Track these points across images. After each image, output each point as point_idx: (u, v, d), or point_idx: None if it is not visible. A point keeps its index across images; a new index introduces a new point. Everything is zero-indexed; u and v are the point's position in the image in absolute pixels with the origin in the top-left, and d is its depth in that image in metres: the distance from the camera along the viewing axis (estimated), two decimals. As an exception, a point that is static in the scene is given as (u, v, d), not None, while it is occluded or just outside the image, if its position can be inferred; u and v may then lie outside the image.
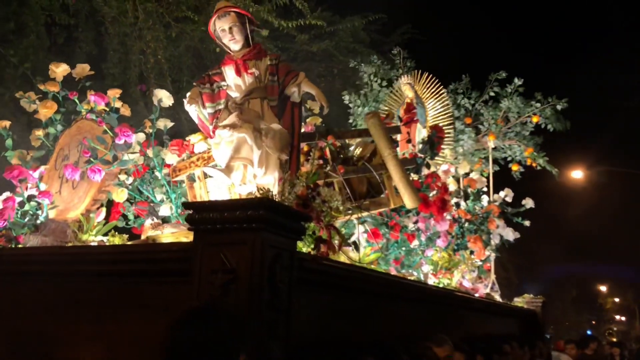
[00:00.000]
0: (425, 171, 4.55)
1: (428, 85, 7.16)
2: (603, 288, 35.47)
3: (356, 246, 4.75)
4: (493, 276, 7.72)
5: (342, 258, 3.71)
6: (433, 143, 4.45)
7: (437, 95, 7.10)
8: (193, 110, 3.58)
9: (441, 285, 5.14)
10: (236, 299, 2.43)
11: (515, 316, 7.56)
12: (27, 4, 7.42)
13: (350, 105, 7.89)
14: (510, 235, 5.91)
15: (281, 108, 3.55)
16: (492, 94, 7.86)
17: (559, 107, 7.59)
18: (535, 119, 7.60)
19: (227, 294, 2.46)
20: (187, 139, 3.92)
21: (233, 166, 3.32)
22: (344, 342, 3.23)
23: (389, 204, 4.12)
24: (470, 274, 5.68)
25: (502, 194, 6.18)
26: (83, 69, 4.13)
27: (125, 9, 7.44)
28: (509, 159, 7.96)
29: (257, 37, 7.18)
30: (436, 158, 6.87)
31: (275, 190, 3.15)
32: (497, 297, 7.59)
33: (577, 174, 15.87)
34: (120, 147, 3.52)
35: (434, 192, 4.60)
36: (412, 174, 4.52)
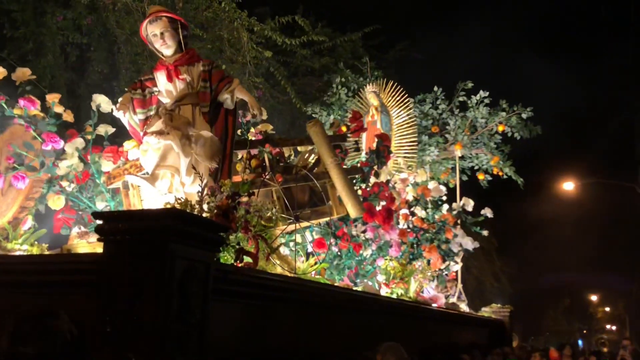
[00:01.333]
0: (373, 180, 4.49)
1: (393, 93, 7.13)
2: (594, 298, 35.57)
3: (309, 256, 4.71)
4: (460, 285, 7.68)
5: (279, 269, 3.65)
6: (379, 152, 4.39)
7: (402, 104, 7.08)
8: (123, 117, 3.52)
9: (394, 296, 5.08)
10: (143, 312, 2.37)
11: (482, 325, 7.51)
12: (46, 25, 7.59)
13: (314, 115, 7.85)
14: (469, 244, 5.86)
15: (214, 115, 3.49)
16: (457, 103, 7.85)
17: (524, 115, 7.58)
18: (500, 128, 7.59)
19: (133, 307, 2.40)
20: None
21: (158, 174, 3.25)
22: (273, 356, 3.17)
23: (332, 213, 4.07)
24: (428, 284, 5.62)
25: (461, 203, 6.14)
26: (23, 73, 4.05)
27: (137, 29, 7.57)
28: (476, 167, 7.95)
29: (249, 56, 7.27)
30: (401, 166, 6.86)
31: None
32: (464, 307, 7.54)
33: (568, 186, 15.95)
34: (49, 153, 3.44)
35: (384, 202, 4.55)
36: (361, 184, 4.47)
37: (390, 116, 7.08)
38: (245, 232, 3.21)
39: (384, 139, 4.47)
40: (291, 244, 4.42)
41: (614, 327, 36.32)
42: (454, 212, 5.92)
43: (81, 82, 8.12)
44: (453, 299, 7.22)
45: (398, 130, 7.09)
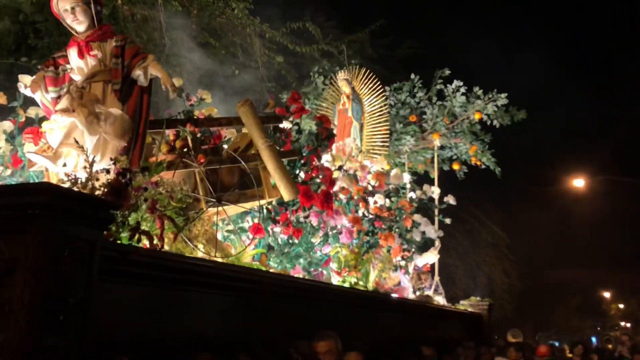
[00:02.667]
0: (317, 164, 4.34)
1: (365, 81, 6.98)
2: (607, 294, 34.97)
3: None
4: (437, 278, 7.49)
5: (199, 254, 3.53)
6: (318, 135, 4.23)
7: (375, 92, 6.92)
8: (37, 96, 3.42)
9: (346, 284, 4.93)
10: (15, 291, 2.28)
11: (458, 319, 7.31)
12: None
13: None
14: (432, 232, 5.68)
15: (127, 93, 3.37)
16: (434, 92, 7.65)
17: (499, 103, 7.33)
18: (477, 116, 7.37)
19: (4, 284, 2.31)
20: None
21: (61, 152, 3.15)
22: (177, 341, 3.05)
23: (264, 196, 3.93)
24: (388, 272, 5.45)
25: (430, 191, 5.95)
26: None
27: (154, 36, 7.74)
28: (455, 157, 7.73)
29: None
30: (370, 153, 6.69)
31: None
32: (441, 300, 7.35)
33: (578, 182, 15.71)
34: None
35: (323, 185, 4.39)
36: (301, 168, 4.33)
37: (362, 104, 6.92)
38: (151, 212, 3.11)
39: (323, 121, 4.31)
40: (227, 228, 4.31)
41: (628, 324, 35.65)
42: (420, 200, 5.74)
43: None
44: (428, 292, 7.04)
45: (370, 118, 6.93)
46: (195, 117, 3.82)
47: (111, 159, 2.99)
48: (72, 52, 3.41)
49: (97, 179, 2.83)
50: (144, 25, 7.50)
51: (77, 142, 2.97)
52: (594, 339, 28.26)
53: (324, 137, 4.20)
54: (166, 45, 7.81)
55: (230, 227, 4.50)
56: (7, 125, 3.83)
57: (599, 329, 35.15)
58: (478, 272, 16.77)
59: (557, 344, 15.42)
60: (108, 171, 2.95)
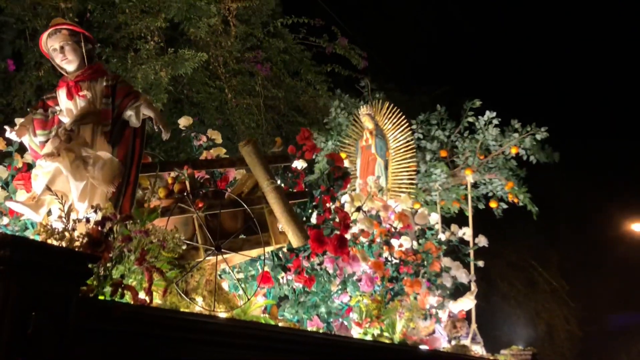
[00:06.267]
0: (330, 206, 4.01)
1: (389, 115, 6.65)
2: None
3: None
4: (474, 325, 6.96)
5: (194, 308, 3.21)
6: (330, 174, 3.90)
7: (399, 127, 6.59)
8: (25, 140, 3.23)
9: (368, 337, 4.50)
10: None
11: (498, 372, 6.72)
12: None
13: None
14: (464, 277, 5.21)
15: (118, 135, 3.14)
16: (465, 124, 7.23)
17: (538, 136, 6.86)
18: (513, 150, 6.91)
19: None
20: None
21: (44, 200, 2.91)
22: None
23: (271, 242, 3.60)
24: (415, 322, 4.99)
25: (460, 232, 5.51)
26: None
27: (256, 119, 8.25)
28: (491, 194, 7.25)
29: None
30: (396, 191, 6.32)
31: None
32: (479, 349, 6.79)
33: (638, 227, 15.19)
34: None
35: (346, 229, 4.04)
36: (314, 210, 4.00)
37: (387, 140, 6.59)
38: (139, 264, 2.82)
39: (335, 160, 3.98)
40: (238, 276, 3.98)
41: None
42: (450, 242, 5.31)
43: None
44: (465, 341, 6.51)
45: (395, 154, 6.58)
46: (194, 159, 3.55)
47: (92, 207, 2.74)
48: (61, 93, 3.22)
49: (74, 229, 2.57)
50: (246, 111, 7.97)
51: (49, 189, 2.72)
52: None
53: (336, 176, 3.87)
54: (264, 126, 8.24)
55: (241, 275, 4.19)
56: (1, 170, 3.65)
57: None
58: (537, 319, 16.13)
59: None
60: (88, 220, 2.69)
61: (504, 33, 17.10)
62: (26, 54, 6.75)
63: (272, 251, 3.92)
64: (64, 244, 2.53)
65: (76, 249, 2.47)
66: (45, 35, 3.20)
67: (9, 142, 3.70)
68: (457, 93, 10.64)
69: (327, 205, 3.93)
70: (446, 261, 5.17)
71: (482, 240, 5.37)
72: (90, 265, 2.39)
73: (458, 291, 5.97)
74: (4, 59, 6.77)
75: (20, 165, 3.79)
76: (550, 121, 6.84)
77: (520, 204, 7.07)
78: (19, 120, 3.47)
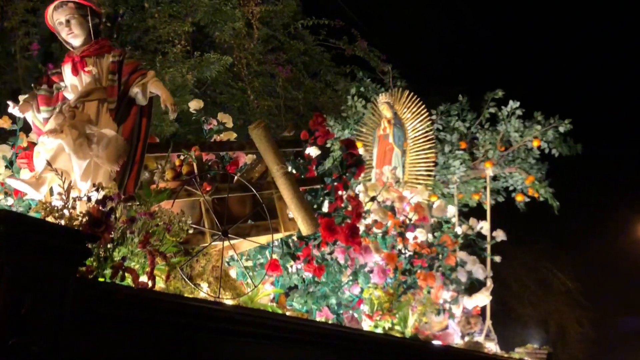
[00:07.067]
0: (343, 194, 3.86)
1: (408, 104, 6.48)
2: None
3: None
4: (489, 322, 6.79)
5: (198, 294, 3.10)
6: (343, 161, 3.76)
7: (418, 116, 6.41)
8: (28, 116, 3.13)
9: (379, 330, 4.37)
10: None
11: (512, 369, 6.56)
12: None
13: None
14: (480, 272, 5.05)
15: (124, 113, 3.03)
16: (487, 115, 7.01)
17: (561, 129, 6.63)
18: (536, 143, 6.68)
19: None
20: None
21: (45, 178, 2.82)
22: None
23: (279, 229, 3.48)
24: (428, 317, 4.85)
25: (478, 226, 5.34)
26: None
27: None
28: (511, 188, 7.04)
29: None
30: (413, 182, 6.16)
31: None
32: (493, 346, 6.63)
33: None
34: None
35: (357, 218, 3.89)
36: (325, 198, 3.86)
37: (405, 129, 6.42)
38: (142, 247, 2.71)
39: (348, 146, 3.84)
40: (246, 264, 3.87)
41: None
42: (466, 236, 5.13)
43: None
44: (479, 337, 6.35)
45: (413, 145, 6.41)
46: (203, 141, 3.44)
47: (94, 185, 2.63)
48: (67, 69, 3.10)
49: (74, 208, 2.47)
50: (267, 112, 7.98)
51: (50, 165, 2.62)
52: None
53: (349, 163, 3.72)
54: (284, 127, 8.25)
55: (250, 263, 4.08)
56: (5, 149, 3.56)
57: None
58: (550, 321, 15.97)
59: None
60: (90, 199, 2.59)
61: (528, 32, 16.74)
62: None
63: (281, 239, 3.80)
64: (63, 222, 2.44)
65: (75, 228, 2.37)
66: (51, 8, 3.09)
67: (14, 120, 3.62)
68: (475, 92, 10.56)
69: (340, 193, 3.78)
70: (462, 255, 5.01)
71: (501, 235, 5.20)
72: (89, 245, 2.29)
73: (473, 287, 5.81)
74: None
75: (25, 144, 3.70)
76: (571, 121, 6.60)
77: (541, 198, 6.86)
78: (22, 97, 3.39)
